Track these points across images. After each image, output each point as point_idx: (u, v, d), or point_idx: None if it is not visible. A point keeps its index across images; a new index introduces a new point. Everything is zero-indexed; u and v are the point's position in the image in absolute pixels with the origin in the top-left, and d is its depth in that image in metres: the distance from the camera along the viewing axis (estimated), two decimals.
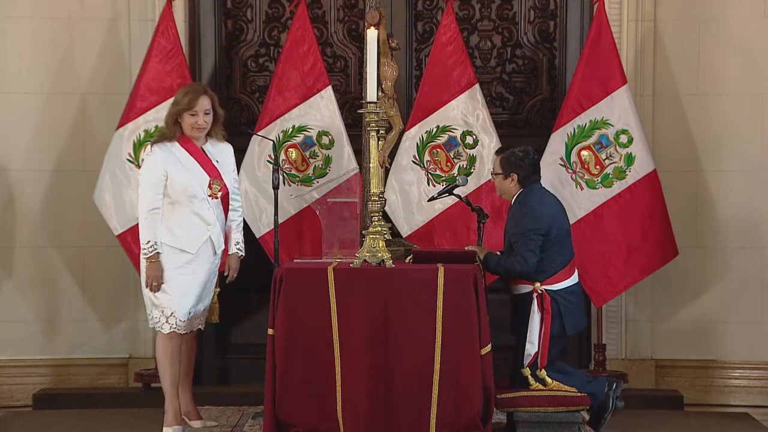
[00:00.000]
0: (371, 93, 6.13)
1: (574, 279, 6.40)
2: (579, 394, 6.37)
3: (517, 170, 6.39)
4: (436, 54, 7.43)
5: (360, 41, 7.84)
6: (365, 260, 6.11)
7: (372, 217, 6.23)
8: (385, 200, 6.52)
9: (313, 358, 6.05)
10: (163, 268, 6.27)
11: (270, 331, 6.10)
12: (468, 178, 7.15)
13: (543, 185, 6.54)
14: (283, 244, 7.03)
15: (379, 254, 6.10)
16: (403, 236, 7.23)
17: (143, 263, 6.33)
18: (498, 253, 6.44)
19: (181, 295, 6.31)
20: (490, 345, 6.05)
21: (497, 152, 6.56)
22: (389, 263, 6.10)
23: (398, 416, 6.02)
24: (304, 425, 6.09)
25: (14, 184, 7.74)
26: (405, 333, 6.00)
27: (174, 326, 6.33)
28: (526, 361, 6.28)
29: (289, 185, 7.36)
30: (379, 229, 6.17)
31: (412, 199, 7.37)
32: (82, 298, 7.80)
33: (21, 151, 7.72)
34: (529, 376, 6.27)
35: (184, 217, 6.29)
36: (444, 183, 7.28)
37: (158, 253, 6.26)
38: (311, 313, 6.04)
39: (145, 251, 6.28)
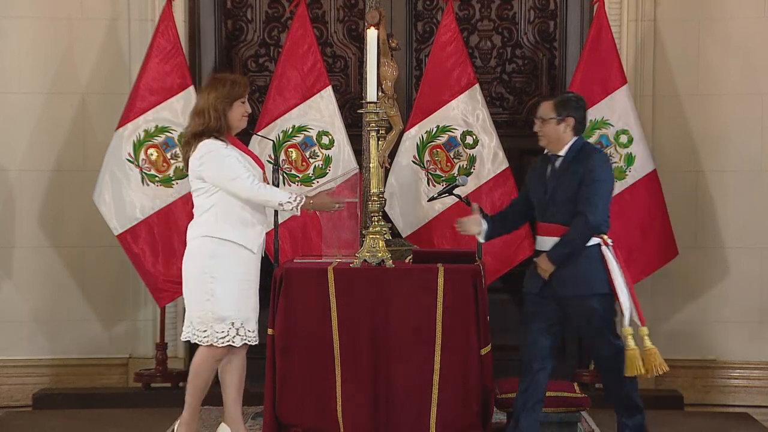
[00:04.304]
0: (371, 93, 6.14)
1: None
2: (579, 395, 6.37)
3: (574, 113, 6.01)
4: (436, 54, 7.43)
5: (360, 41, 7.84)
6: (365, 260, 6.12)
7: (372, 217, 6.24)
8: (385, 200, 6.52)
9: (313, 358, 6.05)
10: (230, 269, 5.85)
11: (270, 331, 6.11)
12: (468, 178, 7.14)
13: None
14: (283, 244, 7.04)
15: (379, 254, 6.11)
16: (403, 236, 7.23)
17: (298, 209, 5.91)
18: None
19: (248, 303, 5.94)
20: (490, 345, 6.06)
21: (544, 99, 6.15)
22: (389, 263, 6.10)
23: (398, 416, 6.03)
24: (304, 425, 6.09)
25: (14, 184, 7.74)
26: (405, 333, 6.01)
27: (245, 338, 5.92)
28: (626, 320, 5.88)
29: (289, 185, 7.35)
30: (379, 229, 6.17)
31: (412, 199, 7.37)
32: (82, 298, 7.80)
33: (21, 151, 7.72)
34: (630, 336, 5.88)
35: (246, 214, 5.90)
36: (444, 183, 7.29)
37: (303, 198, 5.88)
38: (311, 313, 6.05)
39: (299, 205, 5.87)
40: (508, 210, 6.33)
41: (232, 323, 5.90)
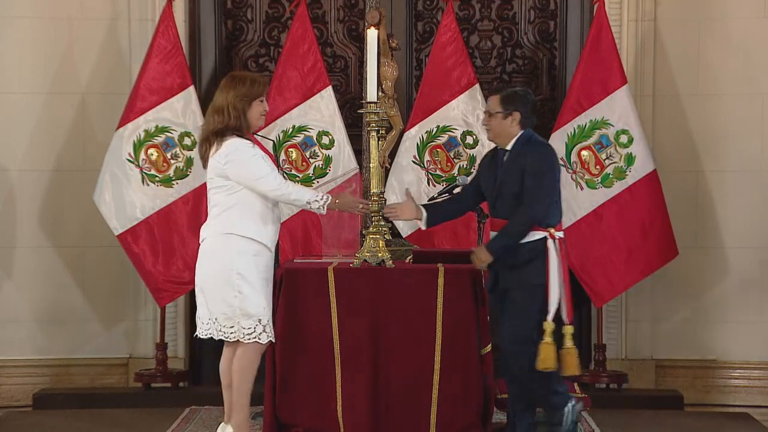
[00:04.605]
0: (371, 93, 6.14)
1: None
2: (579, 395, 6.36)
3: (521, 107, 5.97)
4: (436, 54, 7.44)
5: (360, 41, 7.85)
6: (365, 260, 6.12)
7: (372, 217, 6.24)
8: (385, 200, 6.52)
9: (313, 358, 6.05)
10: (255, 266, 5.79)
11: None
12: (468, 178, 7.14)
13: None
14: (283, 244, 7.03)
15: (379, 254, 6.11)
16: (403, 236, 7.23)
17: (331, 208, 5.92)
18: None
19: (269, 300, 5.89)
20: (490, 345, 6.06)
21: (492, 93, 6.11)
22: (389, 263, 6.10)
23: (398, 416, 6.02)
24: (304, 425, 6.09)
25: (14, 184, 7.73)
26: (405, 333, 6.01)
27: (270, 335, 5.86)
28: (551, 315, 5.81)
29: None
30: (379, 229, 6.17)
31: None
32: (82, 298, 7.80)
33: (21, 151, 7.72)
34: (549, 331, 5.79)
35: (268, 211, 5.86)
36: (444, 183, 7.29)
37: (329, 197, 5.88)
38: (311, 313, 6.05)
39: (326, 204, 5.86)
40: (454, 197, 6.36)
41: (259, 320, 5.83)
